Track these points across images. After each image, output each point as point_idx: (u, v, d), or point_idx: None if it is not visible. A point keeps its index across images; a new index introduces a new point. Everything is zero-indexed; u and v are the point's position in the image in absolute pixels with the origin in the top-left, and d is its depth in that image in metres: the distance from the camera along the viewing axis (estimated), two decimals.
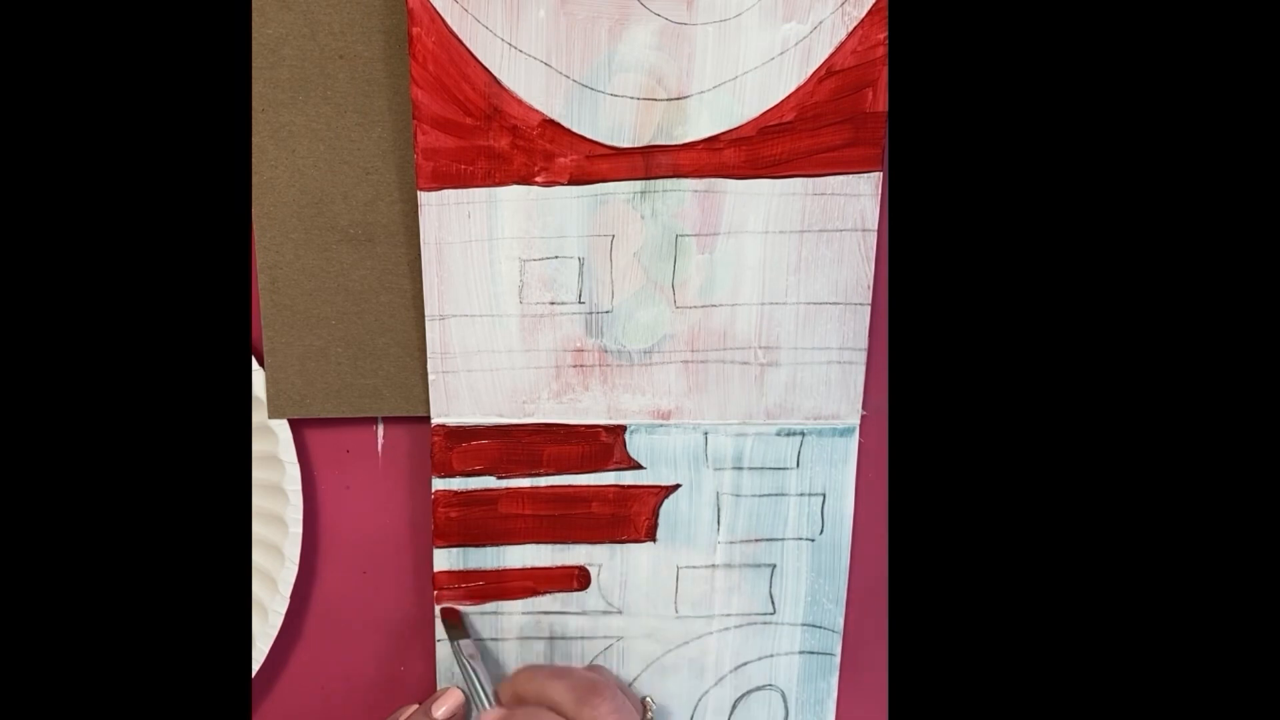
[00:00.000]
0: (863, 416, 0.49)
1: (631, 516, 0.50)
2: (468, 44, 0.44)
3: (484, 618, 0.51)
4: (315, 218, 0.46)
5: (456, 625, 0.50)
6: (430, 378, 0.48)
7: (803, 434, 0.49)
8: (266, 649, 0.50)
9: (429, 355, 0.47)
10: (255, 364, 0.48)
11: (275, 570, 0.50)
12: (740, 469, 0.50)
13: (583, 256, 0.46)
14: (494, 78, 0.44)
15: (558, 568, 0.50)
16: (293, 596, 0.50)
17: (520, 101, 0.44)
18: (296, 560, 0.50)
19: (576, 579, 0.51)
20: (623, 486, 0.50)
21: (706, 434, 0.49)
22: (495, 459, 0.49)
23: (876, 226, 0.47)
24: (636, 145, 0.45)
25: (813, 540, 0.51)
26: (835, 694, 0.53)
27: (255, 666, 0.51)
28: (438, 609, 0.50)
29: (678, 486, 0.50)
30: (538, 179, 0.45)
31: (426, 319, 0.47)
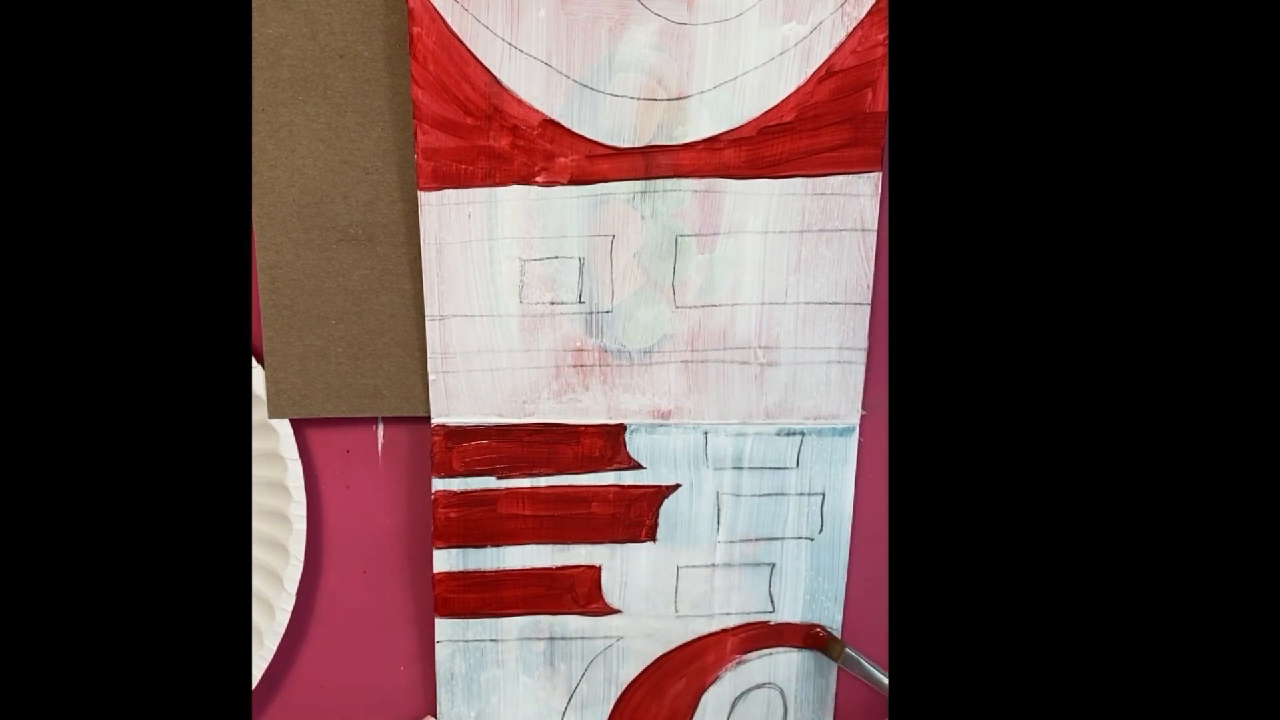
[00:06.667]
0: (862, 416, 0.49)
1: (631, 516, 0.50)
2: (468, 44, 0.44)
3: (484, 618, 0.51)
4: (315, 218, 0.46)
5: (832, 644, 0.51)
6: (430, 378, 0.48)
7: (802, 434, 0.49)
8: (275, 646, 0.51)
9: (429, 355, 0.47)
10: (255, 363, 0.48)
11: (281, 568, 0.50)
12: (740, 469, 0.50)
13: (583, 256, 0.46)
14: (494, 78, 0.44)
15: (560, 569, 0.51)
16: (298, 594, 0.50)
17: (520, 101, 0.44)
18: (302, 557, 0.50)
19: (588, 584, 0.51)
20: (623, 486, 0.50)
21: (706, 434, 0.49)
22: (495, 459, 0.49)
23: (876, 226, 0.47)
24: (636, 145, 0.45)
25: (812, 539, 0.51)
26: (834, 691, 0.53)
27: (265, 664, 0.51)
28: (827, 638, 0.52)
29: (678, 486, 0.50)
30: (538, 179, 0.45)
31: (426, 319, 0.47)
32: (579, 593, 0.51)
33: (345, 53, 0.45)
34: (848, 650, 0.50)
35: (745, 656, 0.52)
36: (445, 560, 0.50)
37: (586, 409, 0.48)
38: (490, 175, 0.45)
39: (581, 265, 0.47)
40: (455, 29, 0.43)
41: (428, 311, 0.47)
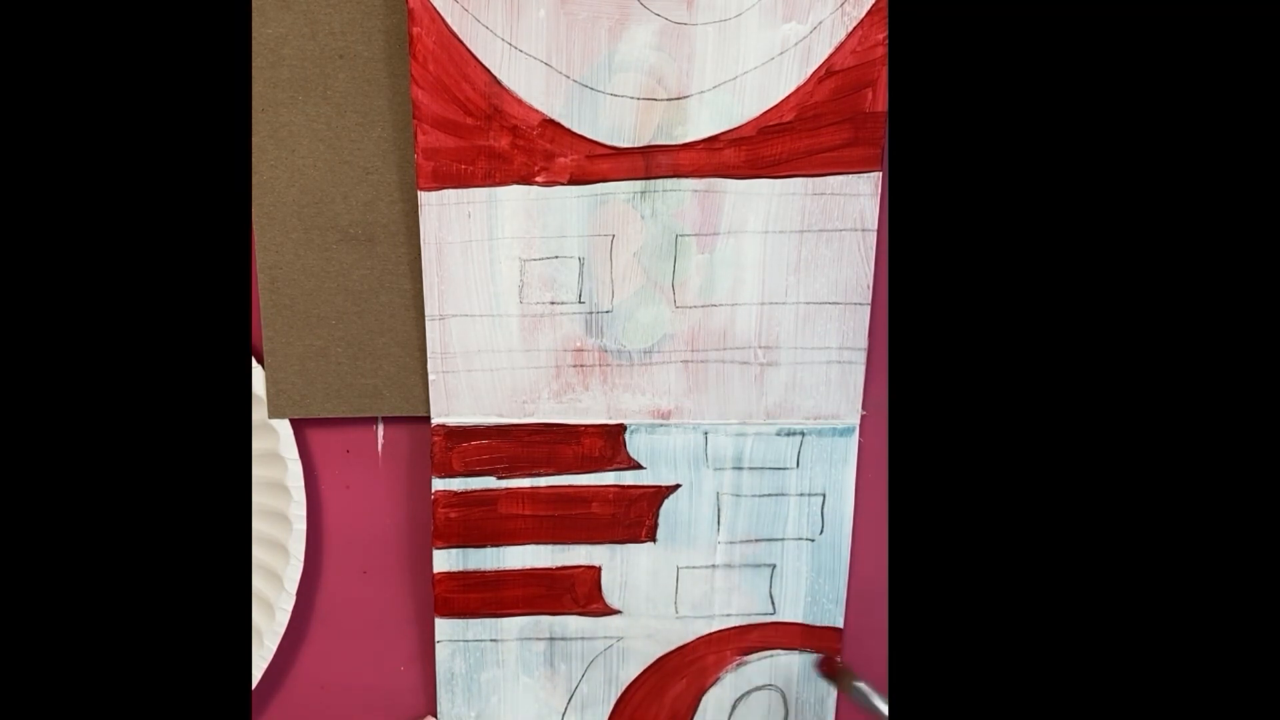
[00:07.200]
0: (863, 416, 0.49)
1: (631, 517, 0.50)
2: (468, 44, 0.44)
3: (485, 618, 0.51)
4: (315, 218, 0.46)
5: (841, 674, 0.51)
6: (430, 378, 0.48)
7: (803, 434, 0.49)
8: (275, 646, 0.51)
9: (429, 355, 0.47)
10: (255, 363, 0.48)
11: (280, 568, 0.50)
12: (740, 469, 0.50)
13: (583, 256, 0.46)
14: (494, 78, 0.44)
15: (560, 569, 0.51)
16: (298, 594, 0.50)
17: (520, 101, 0.44)
18: (302, 557, 0.50)
19: (588, 584, 0.51)
20: (623, 487, 0.50)
21: (706, 434, 0.49)
22: (495, 459, 0.49)
23: (876, 226, 0.47)
24: (636, 145, 0.45)
25: (813, 540, 0.51)
26: (835, 693, 0.53)
27: (265, 664, 0.51)
28: (818, 664, 0.52)
29: (678, 486, 0.50)
30: (538, 179, 0.45)
31: (426, 319, 0.47)
32: (579, 593, 0.51)
33: (345, 53, 0.45)
34: (857, 684, 0.50)
35: (746, 658, 0.52)
36: (445, 560, 0.50)
37: (586, 409, 0.48)
38: (490, 175, 0.45)
39: (581, 265, 0.47)
40: (455, 29, 0.43)
41: (428, 311, 0.47)
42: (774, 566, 0.51)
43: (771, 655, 0.52)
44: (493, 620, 0.51)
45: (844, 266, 0.47)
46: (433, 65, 0.44)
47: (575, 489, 0.49)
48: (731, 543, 0.50)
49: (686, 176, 0.46)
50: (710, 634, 0.52)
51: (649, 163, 0.45)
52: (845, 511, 0.50)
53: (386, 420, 0.50)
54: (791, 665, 0.52)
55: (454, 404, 0.48)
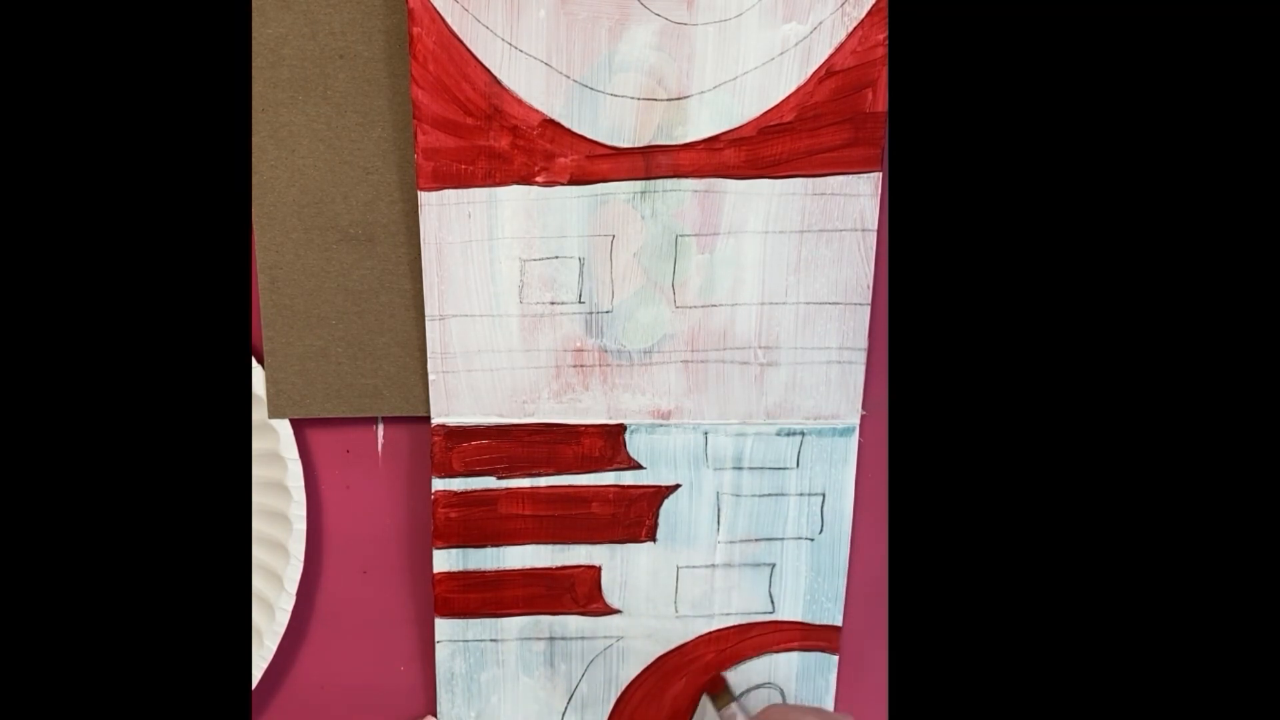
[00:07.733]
0: (862, 416, 0.49)
1: (631, 516, 0.50)
2: (468, 44, 0.44)
3: (484, 618, 0.51)
4: (315, 218, 0.46)
5: (722, 694, 0.51)
6: (430, 378, 0.48)
7: (802, 434, 0.49)
8: (275, 646, 0.51)
9: (429, 355, 0.47)
10: (255, 363, 0.48)
11: (280, 568, 0.50)
12: (740, 469, 0.50)
13: (583, 256, 0.46)
14: (494, 78, 0.44)
15: (560, 569, 0.51)
16: (298, 594, 0.50)
17: (520, 101, 0.44)
18: (302, 557, 0.50)
19: (588, 584, 0.51)
20: (623, 487, 0.50)
21: (706, 434, 0.49)
22: (495, 459, 0.49)
23: (876, 226, 0.47)
24: (636, 145, 0.45)
25: (812, 540, 0.51)
26: (834, 691, 0.53)
27: (265, 664, 0.51)
28: (706, 696, 0.52)
29: (678, 486, 0.50)
30: (538, 179, 0.45)
31: (426, 319, 0.47)
32: (579, 593, 0.51)
33: (345, 53, 0.45)
34: (729, 707, 0.50)
35: (745, 657, 0.52)
36: (445, 560, 0.50)
37: (586, 409, 0.48)
38: (490, 175, 0.45)
39: (581, 265, 0.47)
40: (455, 29, 0.43)
41: (428, 311, 0.47)
42: (773, 566, 0.51)
43: (771, 654, 0.52)
44: (493, 620, 0.51)
45: (844, 266, 0.47)
46: (433, 65, 0.44)
47: (575, 489, 0.49)
48: (731, 542, 0.51)
49: (686, 176, 0.46)
50: (710, 633, 0.52)
51: (649, 163, 0.45)
52: (845, 511, 0.50)
53: (386, 420, 0.50)
54: (791, 664, 0.52)
55: (454, 404, 0.48)
